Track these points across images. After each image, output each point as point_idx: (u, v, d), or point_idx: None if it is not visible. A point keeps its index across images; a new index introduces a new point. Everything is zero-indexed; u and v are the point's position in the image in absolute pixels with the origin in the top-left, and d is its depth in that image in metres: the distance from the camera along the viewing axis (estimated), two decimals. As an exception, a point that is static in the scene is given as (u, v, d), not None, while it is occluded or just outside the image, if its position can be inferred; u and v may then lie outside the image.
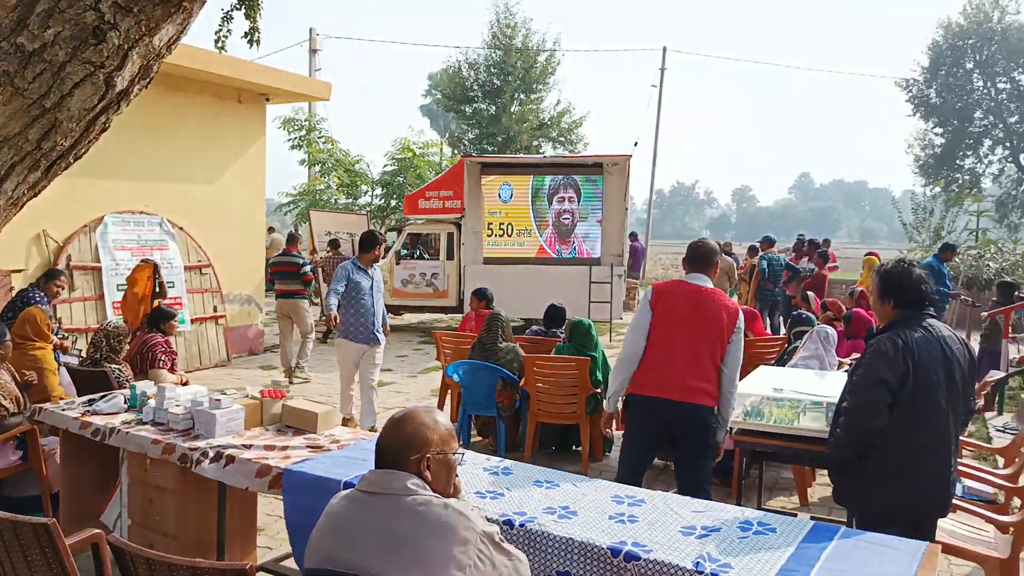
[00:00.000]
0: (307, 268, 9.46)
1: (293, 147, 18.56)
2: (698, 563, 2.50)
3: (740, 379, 4.12)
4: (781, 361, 6.17)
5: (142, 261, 7.84)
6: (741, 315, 3.97)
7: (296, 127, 18.35)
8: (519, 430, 6.49)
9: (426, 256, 13.43)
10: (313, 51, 23.13)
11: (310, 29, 23.25)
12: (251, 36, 5.34)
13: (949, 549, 3.79)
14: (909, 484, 3.10)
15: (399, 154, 18.41)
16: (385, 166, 18.74)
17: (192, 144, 10.10)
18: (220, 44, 5.37)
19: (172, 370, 6.00)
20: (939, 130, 32.67)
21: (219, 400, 3.84)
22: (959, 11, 31.63)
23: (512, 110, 24.77)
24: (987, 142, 32.58)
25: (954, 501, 3.95)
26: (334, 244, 12.67)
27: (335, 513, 2.08)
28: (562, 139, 25.31)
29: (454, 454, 2.15)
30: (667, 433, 3.95)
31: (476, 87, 25.55)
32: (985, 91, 31.82)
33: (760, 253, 11.92)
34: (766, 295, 11.44)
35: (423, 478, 2.07)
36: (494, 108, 25.15)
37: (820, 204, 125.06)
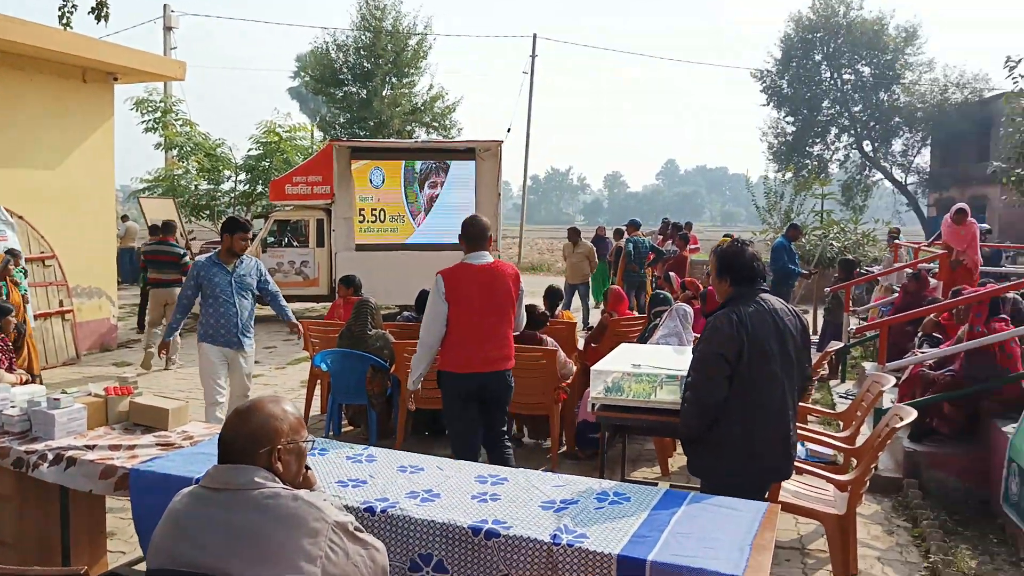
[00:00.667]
0: (187, 258, 9.47)
1: (147, 130, 17.46)
2: (555, 535, 2.56)
3: (605, 357, 4.32)
4: (643, 339, 6.41)
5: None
6: (521, 277, 4.54)
7: (150, 108, 17.27)
8: (391, 417, 6.43)
9: (295, 244, 13.03)
10: (168, 28, 21.84)
11: (164, 5, 21.94)
12: (99, 12, 5.00)
13: (794, 509, 4.08)
14: (753, 449, 3.29)
15: (264, 138, 17.70)
16: (249, 150, 17.98)
17: (32, 126, 9.33)
18: (65, 20, 5.00)
19: (10, 369, 5.55)
20: (790, 119, 34.78)
21: (58, 399, 3.58)
22: (808, 5, 33.76)
23: (383, 94, 24.36)
24: (833, 130, 34.98)
25: (798, 464, 4.25)
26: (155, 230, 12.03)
27: (177, 511, 1.98)
28: (435, 124, 25.14)
29: (304, 442, 2.10)
30: (480, 400, 4.42)
31: (346, 70, 24.95)
32: (832, 82, 34.12)
33: (626, 236, 12.32)
34: (632, 277, 11.84)
35: (274, 470, 2.00)
36: (365, 92, 24.65)
37: (685, 189, 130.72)
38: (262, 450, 2.00)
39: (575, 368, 6.14)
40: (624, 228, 12.91)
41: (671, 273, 10.62)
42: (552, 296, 7.25)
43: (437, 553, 2.67)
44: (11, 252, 8.02)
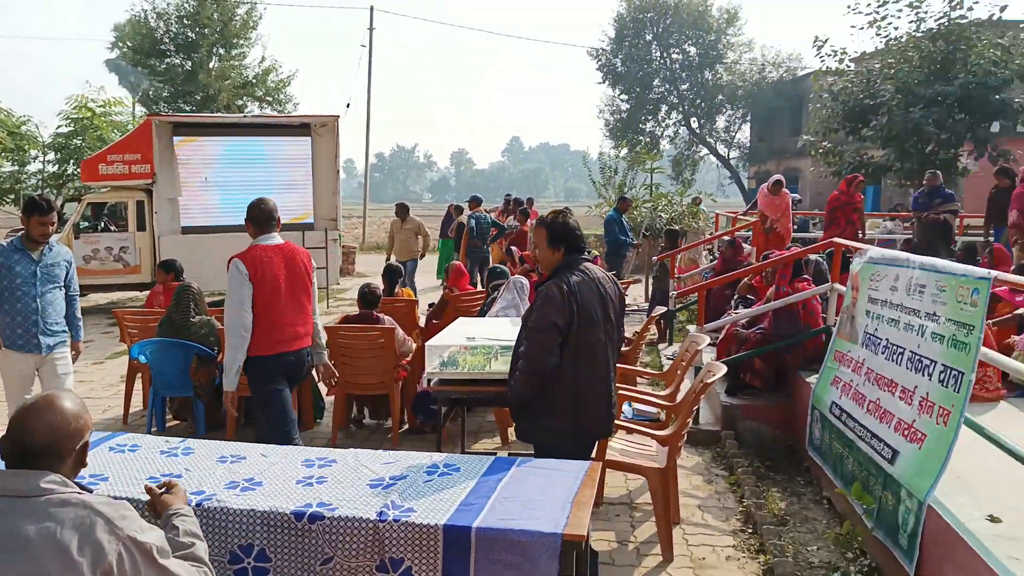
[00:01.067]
0: None
1: (-67, 106, 15.57)
2: (382, 512, 2.54)
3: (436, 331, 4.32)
4: (483, 313, 6.48)
5: None
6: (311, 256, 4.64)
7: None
8: (222, 408, 6.12)
9: (112, 228, 12.07)
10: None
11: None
12: None
13: (620, 466, 4.28)
14: (579, 410, 3.44)
15: (75, 114, 16.24)
16: (58, 127, 16.44)
17: None
18: None
19: None
20: (625, 96, 36.22)
21: None
22: (639, -15, 35.05)
23: (211, 66, 22.98)
24: (664, 107, 36.81)
25: (624, 423, 4.47)
26: None
27: None
28: (269, 99, 24.05)
29: (88, 434, 2.00)
30: (289, 379, 4.43)
31: (168, 40, 23.28)
32: (662, 61, 35.78)
33: (468, 212, 12.37)
34: (475, 252, 11.93)
35: (61, 470, 1.87)
36: (190, 64, 23.13)
37: (530, 166, 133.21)
38: (58, 451, 1.88)
39: (415, 346, 6.11)
40: (465, 204, 12.95)
41: (512, 247, 10.79)
42: (391, 274, 7.15)
43: (258, 543, 2.57)
44: None
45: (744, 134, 37.38)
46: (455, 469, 2.93)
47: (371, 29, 25.99)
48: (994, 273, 3.16)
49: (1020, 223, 8.04)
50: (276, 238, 4.37)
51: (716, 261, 9.85)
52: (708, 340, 5.46)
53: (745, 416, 5.79)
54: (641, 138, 34.75)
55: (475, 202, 12.52)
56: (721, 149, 36.86)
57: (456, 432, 5.57)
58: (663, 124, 37.10)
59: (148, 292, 12.28)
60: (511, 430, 5.89)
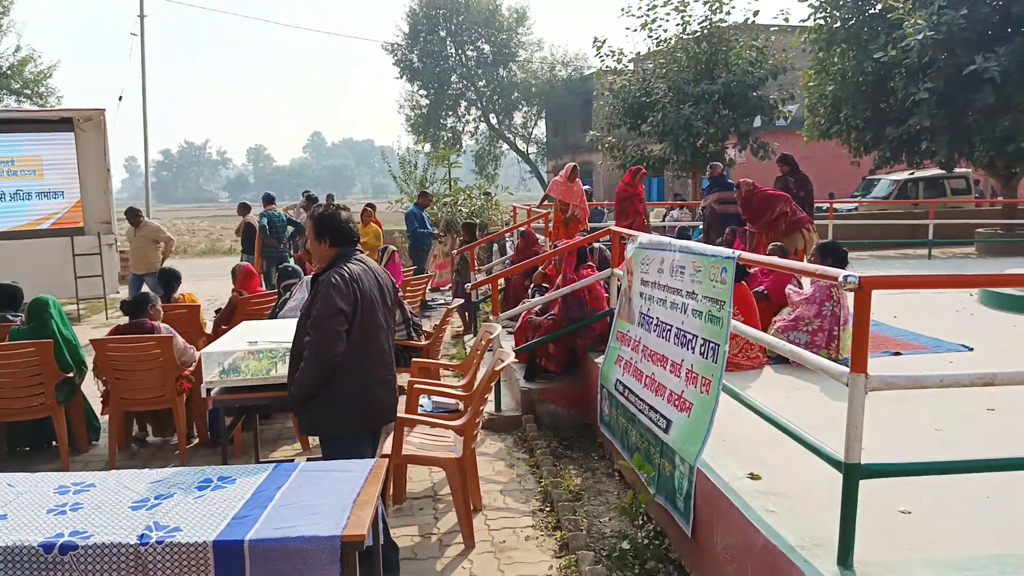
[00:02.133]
0: None
1: None
2: (143, 535, 2.35)
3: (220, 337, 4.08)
4: (274, 315, 6.21)
5: None
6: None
7: None
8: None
9: None
10: None
11: None
12: None
13: (417, 460, 4.28)
14: (367, 395, 3.48)
15: None
16: None
17: None
18: None
19: None
20: (424, 92, 36.33)
21: None
22: (428, -19, 35.19)
23: (-48, 55, 20.20)
24: (463, 103, 37.33)
25: (421, 416, 4.47)
26: None
27: None
28: (27, 92, 21.57)
29: None
30: None
31: None
32: (458, 58, 36.24)
33: (262, 211, 11.81)
34: (271, 252, 11.42)
35: None
36: (-75, 51, 20.22)
37: (334, 162, 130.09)
38: None
39: (198, 354, 5.72)
40: (247, 202, 12.43)
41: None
42: (167, 278, 6.65)
43: (0, 583, 2.29)
44: None
45: (541, 130, 38.84)
46: (230, 481, 2.77)
47: (142, 16, 24.01)
48: (738, 253, 3.49)
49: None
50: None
51: (512, 253, 10.12)
52: (500, 328, 5.59)
53: (543, 399, 6.00)
54: (443, 133, 35.04)
55: (268, 200, 11.98)
56: (520, 145, 38.06)
57: (250, 441, 5.30)
58: (463, 120, 37.65)
59: None
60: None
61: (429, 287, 10.79)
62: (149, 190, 24.30)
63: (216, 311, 7.32)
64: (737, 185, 9.07)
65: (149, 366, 5.19)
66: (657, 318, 4.29)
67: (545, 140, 38.46)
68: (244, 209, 12.27)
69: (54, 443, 5.56)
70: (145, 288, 10.08)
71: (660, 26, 17.11)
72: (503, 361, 4.26)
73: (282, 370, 4.17)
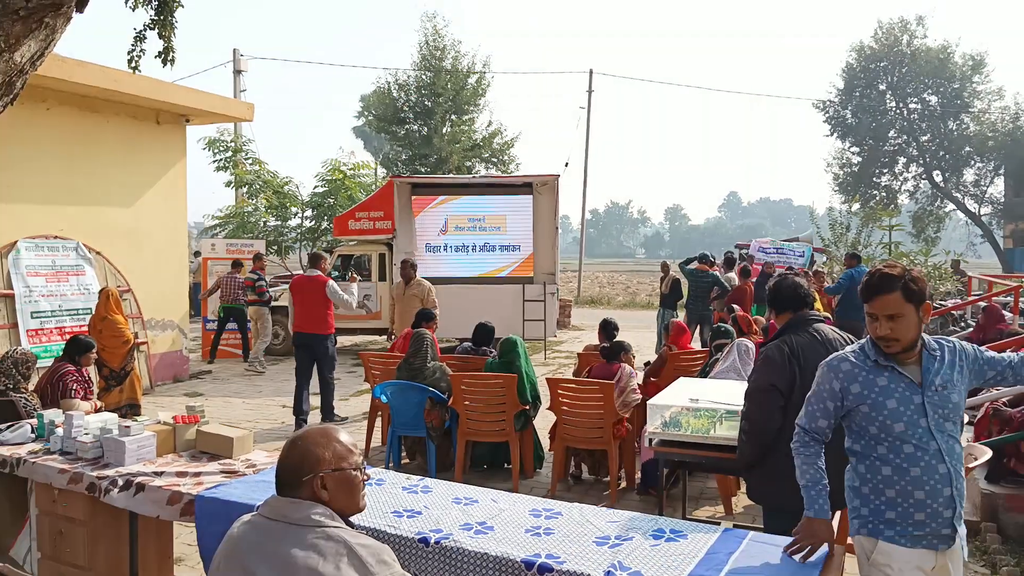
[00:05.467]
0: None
1: (218, 168, 18.20)
2: (609, 572, 2.53)
3: (663, 391, 4.27)
4: (704, 373, 6.31)
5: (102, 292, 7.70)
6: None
7: (221, 148, 18.00)
8: (451, 450, 6.46)
9: (358, 278, 13.31)
10: (237, 72, 22.81)
11: (234, 50, 22.96)
12: (164, 56, 5.23)
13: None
14: None
15: (329, 175, 18.24)
16: (315, 187, 18.55)
17: (108, 166, 9.81)
18: (133, 64, 5.25)
19: (86, 398, 5.78)
20: (855, 149, 34.07)
21: (128, 427, 3.72)
22: (870, 35, 33.20)
23: (444, 131, 24.84)
24: (901, 160, 34.11)
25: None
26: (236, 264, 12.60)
27: (235, 537, 2.01)
28: (494, 160, 25.50)
29: (352, 470, 2.05)
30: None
31: (407, 109, 25.56)
32: (898, 111, 33.36)
33: (687, 268, 12.18)
34: (695, 309, 11.68)
35: (320, 499, 1.98)
36: (426, 129, 25.19)
37: (749, 221, 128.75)
38: (304, 478, 1.97)
39: (638, 398, 6.06)
40: (672, 261, 12.87)
41: (734, 305, 10.43)
42: (607, 329, 7.15)
43: (489, 586, 2.66)
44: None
45: (997, 188, 33.53)
46: (682, 536, 2.85)
47: (590, 92, 26.81)
48: None
49: None
50: (315, 271, 6.58)
51: (971, 330, 8.84)
52: (965, 418, 4.89)
53: (1010, 507, 5.09)
54: (875, 192, 32.42)
55: (703, 261, 12.30)
56: (970, 205, 33.32)
57: (677, 496, 5.42)
58: (900, 177, 34.35)
59: (386, 336, 13.53)
60: (735, 499, 5.65)
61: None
62: (584, 245, 26.78)
63: (645, 364, 7.70)
64: None
65: (592, 409, 5.64)
66: None
67: (1003, 200, 33.13)
68: (666, 268, 12.81)
69: (507, 465, 6.38)
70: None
71: None
72: (975, 458, 3.71)
73: (720, 431, 4.21)
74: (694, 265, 12.06)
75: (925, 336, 2.63)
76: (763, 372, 3.30)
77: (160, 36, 4.99)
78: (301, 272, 9.27)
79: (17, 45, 1.74)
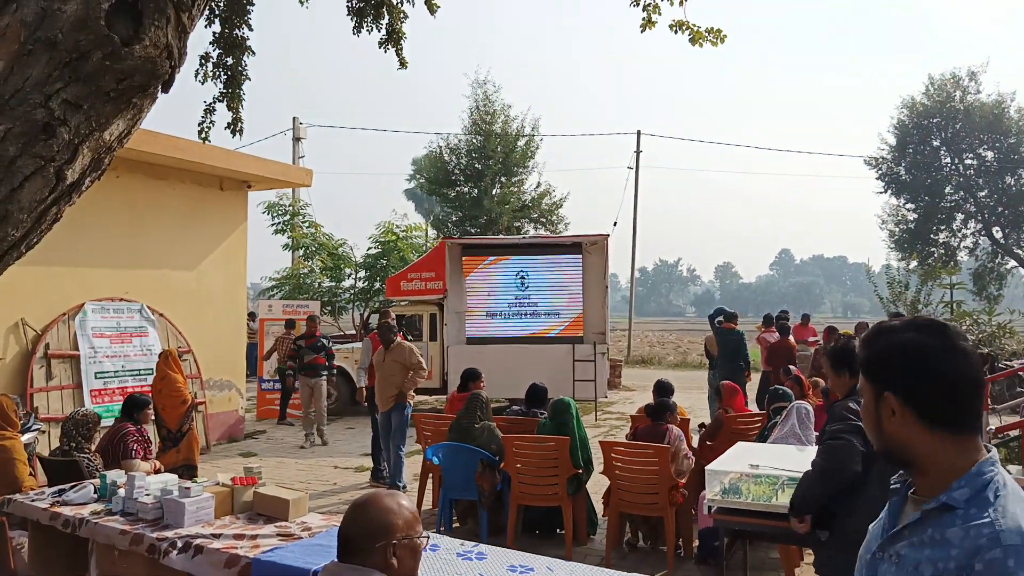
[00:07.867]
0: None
1: (277, 232, 18.72)
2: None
3: (719, 456, 4.17)
4: (762, 437, 6.14)
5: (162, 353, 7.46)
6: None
7: (280, 212, 18.55)
8: (502, 515, 6.36)
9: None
10: (297, 139, 23.66)
11: (293, 118, 23.87)
12: (234, 127, 5.46)
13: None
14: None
15: (382, 237, 18.60)
16: (369, 249, 18.91)
17: (172, 231, 10.19)
18: (204, 135, 5.49)
19: (145, 458, 5.88)
20: (911, 206, 33.42)
21: (188, 488, 3.77)
22: (921, 92, 32.87)
23: (493, 193, 25.23)
24: (959, 216, 33.33)
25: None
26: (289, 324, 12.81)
27: None
28: (543, 220, 25.72)
29: (419, 538, 2.08)
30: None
31: (458, 171, 26.09)
32: (953, 167, 32.75)
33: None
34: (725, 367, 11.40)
35: (389, 567, 1.99)
36: (476, 191, 25.62)
37: (801, 279, 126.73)
38: (377, 545, 1.98)
39: (691, 465, 5.92)
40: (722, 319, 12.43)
41: (792, 367, 10.18)
42: (661, 391, 7.04)
43: (549, 659, 2.59)
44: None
45: (1061, 244, 32.47)
46: (749, 609, 2.75)
47: (637, 152, 27.05)
48: None
49: None
50: (388, 337, 7.22)
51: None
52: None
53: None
54: (933, 249, 31.66)
55: (766, 325, 12.07)
56: (1032, 261, 32.28)
57: (737, 565, 5.23)
58: (959, 234, 33.52)
59: (437, 396, 13.54)
60: (799, 571, 5.42)
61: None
62: (633, 304, 26.64)
63: (700, 426, 7.54)
64: None
65: (647, 473, 5.53)
66: None
67: (1068, 256, 32.03)
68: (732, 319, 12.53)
69: (559, 531, 6.25)
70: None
71: None
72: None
73: (783, 499, 4.06)
74: (719, 320, 11.72)
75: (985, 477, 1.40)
76: (840, 426, 3.31)
77: (229, 108, 5.21)
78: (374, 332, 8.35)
79: (107, 125, 1.84)
